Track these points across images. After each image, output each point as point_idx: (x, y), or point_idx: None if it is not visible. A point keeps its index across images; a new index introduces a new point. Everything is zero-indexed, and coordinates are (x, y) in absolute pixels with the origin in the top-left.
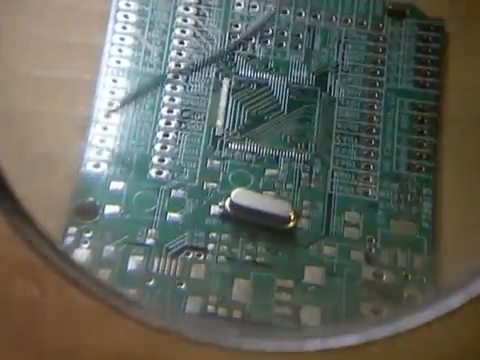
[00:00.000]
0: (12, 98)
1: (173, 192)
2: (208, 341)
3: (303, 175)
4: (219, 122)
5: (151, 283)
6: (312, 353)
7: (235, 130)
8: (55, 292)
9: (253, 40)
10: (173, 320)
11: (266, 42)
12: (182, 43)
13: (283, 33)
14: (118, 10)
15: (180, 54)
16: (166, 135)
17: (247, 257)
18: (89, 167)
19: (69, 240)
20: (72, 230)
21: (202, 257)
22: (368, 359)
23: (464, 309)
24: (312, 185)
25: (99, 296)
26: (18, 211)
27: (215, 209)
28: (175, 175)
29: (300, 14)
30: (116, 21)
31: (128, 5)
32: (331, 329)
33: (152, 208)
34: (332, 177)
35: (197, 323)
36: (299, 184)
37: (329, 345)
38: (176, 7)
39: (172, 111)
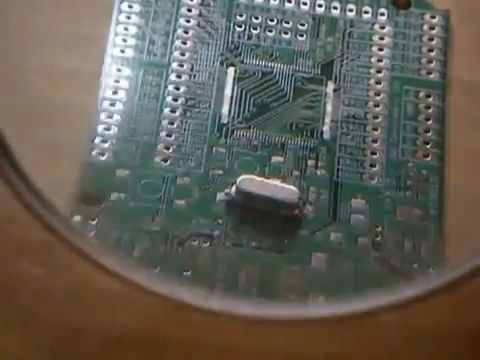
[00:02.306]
0: (19, 87)
1: (179, 180)
2: (215, 310)
3: (309, 162)
4: (224, 110)
5: (157, 270)
6: (319, 319)
7: (240, 118)
8: (64, 270)
9: (258, 29)
10: (179, 291)
11: (271, 31)
12: (186, 33)
13: (288, 22)
14: (122, 0)
15: (184, 43)
16: (171, 123)
17: (253, 244)
18: (95, 155)
19: None
20: (78, 218)
21: (208, 244)
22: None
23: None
24: (318, 172)
25: (115, 273)
26: (29, 189)
27: (221, 196)
28: (181, 163)
29: (304, 3)
30: (120, 11)
31: None
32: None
33: (158, 195)
34: (338, 164)
35: (204, 294)
36: (305, 171)
37: (336, 311)
38: None
39: (177, 100)
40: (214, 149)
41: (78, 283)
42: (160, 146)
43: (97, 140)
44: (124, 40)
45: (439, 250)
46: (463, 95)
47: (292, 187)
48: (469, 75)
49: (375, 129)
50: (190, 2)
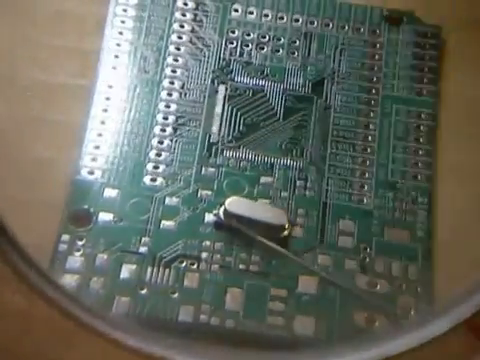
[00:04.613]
0: (7, 103)
1: (167, 200)
2: None
3: (298, 183)
4: (214, 129)
5: (144, 292)
6: None
7: (230, 137)
8: (39, 310)
9: (250, 46)
10: (158, 342)
11: (262, 48)
12: (178, 49)
13: (280, 39)
14: (115, 16)
15: (176, 60)
16: (161, 142)
17: (241, 266)
18: (83, 174)
19: (62, 247)
20: (65, 237)
21: (195, 266)
22: None
23: (456, 332)
24: (307, 193)
25: (82, 320)
26: (5, 240)
27: (209, 217)
28: (169, 182)
29: (297, 20)
30: (113, 27)
31: (125, 11)
32: (321, 351)
33: (146, 216)
34: (327, 185)
35: (182, 345)
36: (294, 192)
37: None
38: (173, 13)
39: (167, 118)
40: (203, 169)
41: (54, 321)
42: (149, 165)
43: (86, 159)
44: (116, 56)
45: (427, 272)
46: (455, 113)
47: (280, 209)
48: (460, 92)
49: (365, 149)
50: (183, 18)
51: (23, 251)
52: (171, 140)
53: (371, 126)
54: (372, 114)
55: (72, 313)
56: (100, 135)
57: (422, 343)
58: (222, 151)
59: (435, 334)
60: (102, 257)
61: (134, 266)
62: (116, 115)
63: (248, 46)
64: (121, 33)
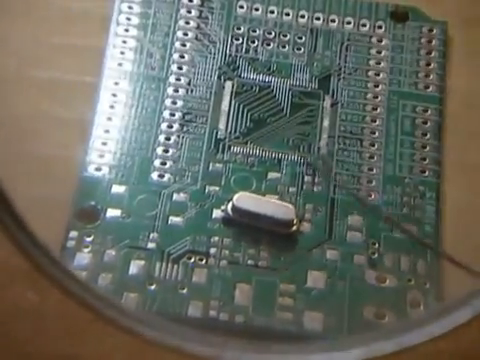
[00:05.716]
0: (14, 100)
1: (175, 196)
2: (208, 356)
3: (306, 178)
4: (221, 125)
5: (152, 288)
6: None
7: (237, 133)
8: (54, 301)
9: (256, 42)
10: (170, 332)
11: (268, 44)
12: (184, 46)
13: (285, 35)
14: (120, 13)
15: (182, 57)
16: (168, 138)
17: (249, 261)
18: (90, 170)
19: (70, 244)
20: (73, 234)
21: (204, 261)
22: None
23: (470, 324)
24: (315, 189)
25: (96, 308)
26: (16, 223)
27: (217, 213)
28: (177, 178)
29: (303, 16)
30: (118, 23)
31: (130, 8)
32: (333, 344)
33: (154, 212)
34: (335, 180)
35: (196, 336)
36: (302, 188)
37: None
38: (178, 10)
39: (174, 114)
40: (211, 165)
41: (67, 313)
42: (156, 162)
43: (93, 155)
44: (122, 53)
45: (436, 267)
46: (461, 109)
47: (288, 204)
48: (467, 88)
49: (372, 145)
50: (188, 14)
51: (41, 244)
52: (178, 136)
53: (378, 121)
54: (379, 109)
55: (89, 304)
56: (107, 132)
57: (436, 336)
58: (229, 147)
59: (449, 327)
60: (110, 253)
61: (142, 262)
62: (123, 112)
63: (254, 42)
64: (127, 30)
